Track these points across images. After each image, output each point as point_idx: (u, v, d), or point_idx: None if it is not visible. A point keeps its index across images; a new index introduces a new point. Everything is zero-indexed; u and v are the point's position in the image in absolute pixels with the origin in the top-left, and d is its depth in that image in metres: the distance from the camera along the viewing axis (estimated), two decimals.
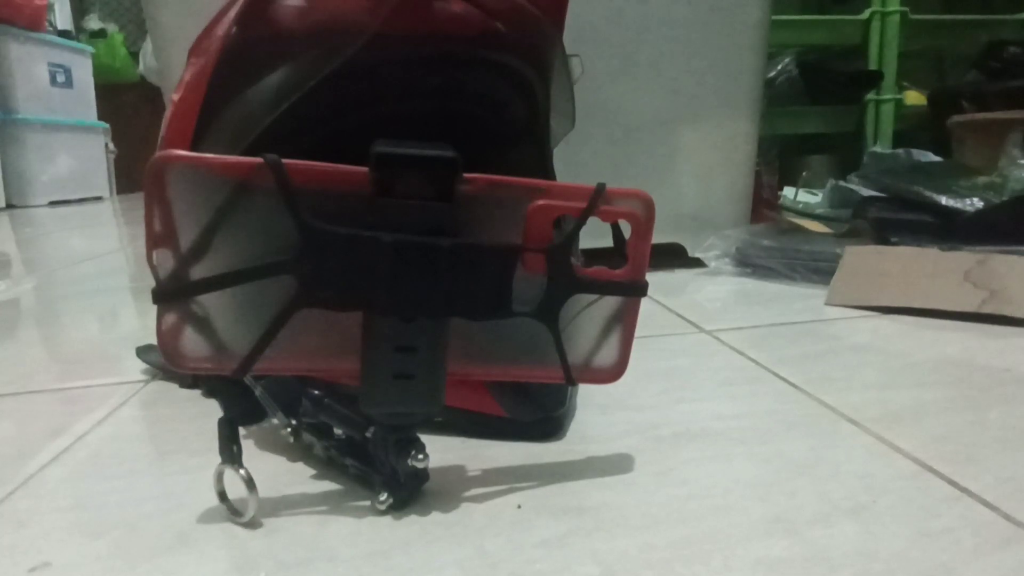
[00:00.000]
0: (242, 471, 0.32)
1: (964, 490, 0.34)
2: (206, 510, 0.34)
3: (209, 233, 0.29)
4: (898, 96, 1.85)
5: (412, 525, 0.32)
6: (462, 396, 0.40)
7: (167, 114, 0.42)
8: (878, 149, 1.66)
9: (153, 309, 0.29)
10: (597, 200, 0.33)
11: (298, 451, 0.40)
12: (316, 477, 0.37)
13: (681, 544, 0.30)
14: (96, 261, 1.26)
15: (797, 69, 1.79)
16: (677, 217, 0.94)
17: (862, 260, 0.78)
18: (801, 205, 1.33)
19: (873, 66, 1.83)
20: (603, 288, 0.34)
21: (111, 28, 3.50)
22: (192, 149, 0.37)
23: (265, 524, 0.33)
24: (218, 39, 0.36)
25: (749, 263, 0.88)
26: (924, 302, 0.67)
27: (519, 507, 0.34)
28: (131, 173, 3.43)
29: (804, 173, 1.59)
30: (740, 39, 0.91)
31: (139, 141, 3.43)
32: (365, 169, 0.30)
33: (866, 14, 1.81)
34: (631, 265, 0.34)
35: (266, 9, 0.34)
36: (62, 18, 3.13)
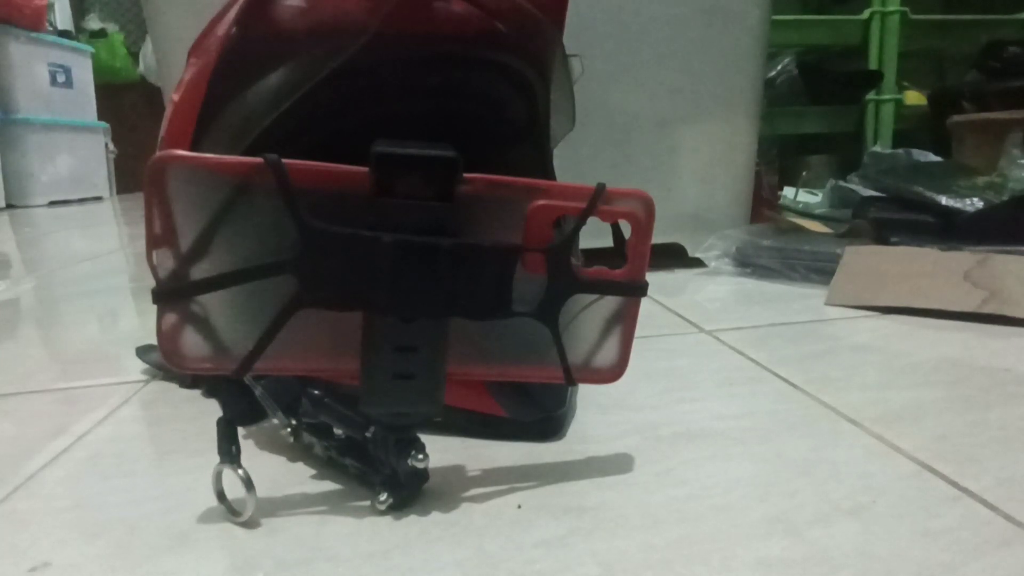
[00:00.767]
0: (240, 471, 0.32)
1: (964, 490, 0.34)
2: (206, 510, 0.34)
3: (209, 233, 0.29)
4: (898, 96, 1.85)
5: (412, 525, 0.32)
6: (462, 396, 0.40)
7: (167, 114, 0.42)
8: (878, 149, 1.66)
9: (153, 309, 0.30)
10: (597, 200, 0.33)
11: (298, 451, 0.40)
12: (316, 477, 0.37)
13: (681, 544, 0.30)
14: (96, 261, 1.26)
15: (797, 69, 1.79)
16: (677, 217, 0.94)
17: (862, 260, 0.78)
18: (801, 205, 1.33)
19: (873, 66, 1.83)
20: (603, 288, 0.34)
21: (111, 28, 3.50)
22: (192, 149, 0.37)
23: (265, 524, 0.33)
24: (218, 39, 0.36)
25: (749, 263, 0.88)
26: (924, 302, 0.67)
27: (519, 507, 0.34)
28: (131, 173, 3.43)
29: (804, 173, 1.59)
30: (740, 39, 0.91)
31: (139, 141, 3.43)
32: (365, 169, 0.30)
33: (866, 14, 1.81)
34: (631, 265, 0.34)
35: (266, 9, 0.34)
36: (62, 18, 3.13)
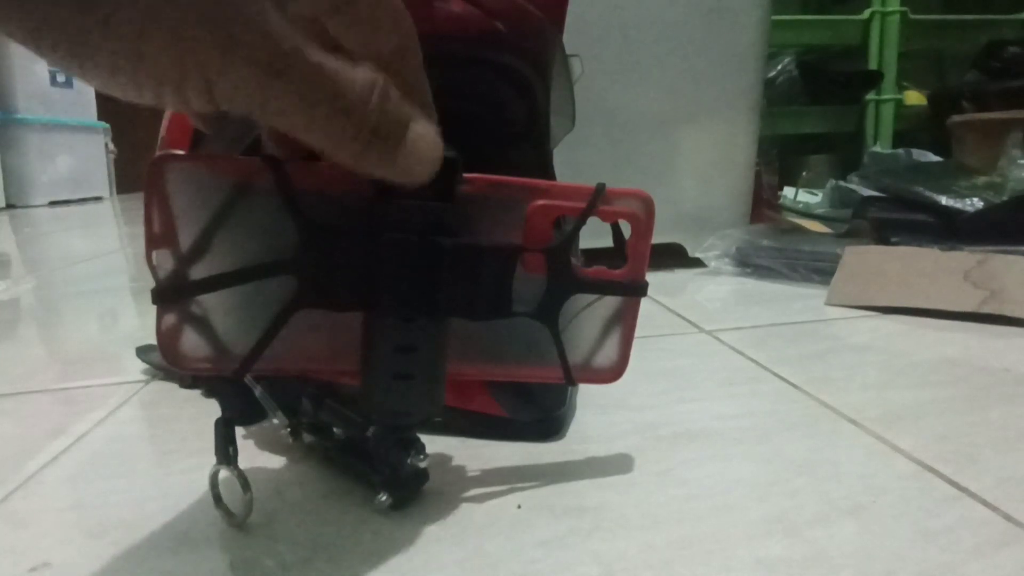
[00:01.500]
0: (237, 472, 0.32)
1: (964, 490, 0.34)
2: (206, 510, 0.34)
3: (209, 233, 0.29)
4: (898, 96, 1.85)
5: (412, 525, 0.32)
6: (462, 396, 0.40)
7: (167, 113, 0.42)
8: (878, 149, 1.66)
9: (153, 309, 0.29)
10: (597, 200, 0.33)
11: (298, 451, 0.40)
12: (316, 477, 0.37)
13: (681, 544, 0.30)
14: (96, 261, 1.26)
15: (797, 69, 1.79)
16: (677, 217, 0.94)
17: (862, 260, 0.78)
18: (801, 205, 1.33)
19: (873, 66, 1.83)
20: (603, 288, 0.34)
21: None
22: (192, 149, 0.37)
23: (265, 524, 0.33)
24: None
25: (749, 263, 0.88)
26: (924, 302, 0.67)
27: (519, 507, 0.34)
28: (131, 173, 3.43)
29: (804, 173, 1.59)
30: (740, 39, 0.91)
31: (139, 141, 3.42)
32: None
33: (866, 14, 1.81)
34: (631, 265, 0.34)
35: None
36: None
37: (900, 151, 1.43)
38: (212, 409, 0.33)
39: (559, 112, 0.47)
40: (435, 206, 0.30)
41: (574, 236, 0.33)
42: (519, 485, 0.36)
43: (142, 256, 0.28)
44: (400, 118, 0.25)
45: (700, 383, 0.50)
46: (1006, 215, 0.86)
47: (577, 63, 0.47)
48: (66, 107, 2.95)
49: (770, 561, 0.29)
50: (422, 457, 0.34)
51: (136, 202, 2.83)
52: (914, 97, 1.91)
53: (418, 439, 0.34)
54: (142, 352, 0.57)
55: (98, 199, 3.16)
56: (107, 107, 3.29)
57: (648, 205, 0.34)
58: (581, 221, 0.33)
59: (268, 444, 0.41)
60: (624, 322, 0.35)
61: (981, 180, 0.95)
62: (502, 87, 0.39)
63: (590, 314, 0.35)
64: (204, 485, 0.34)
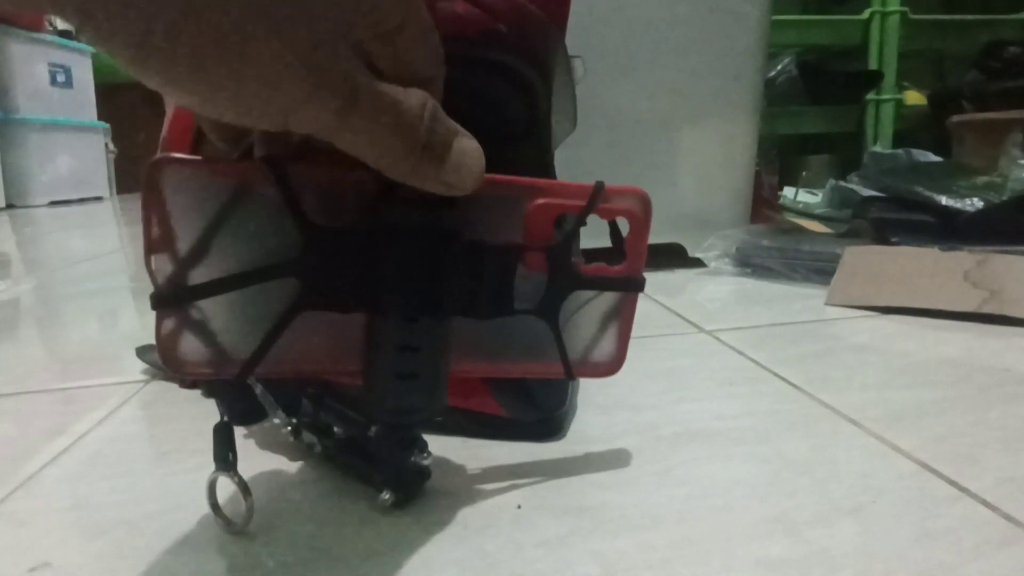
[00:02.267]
0: (237, 478, 0.32)
1: (964, 490, 0.34)
2: (206, 510, 0.34)
3: (208, 236, 0.28)
4: (898, 96, 1.85)
5: (412, 525, 0.32)
6: (462, 396, 0.40)
7: (169, 113, 0.42)
8: (878, 149, 1.66)
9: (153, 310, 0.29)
10: (597, 198, 0.33)
11: (298, 451, 0.40)
12: (317, 477, 0.37)
13: (681, 544, 0.30)
14: (96, 261, 1.26)
15: (797, 69, 1.79)
16: (677, 217, 0.94)
17: (862, 260, 0.78)
18: (801, 205, 1.33)
19: (873, 66, 1.83)
20: (602, 284, 0.35)
21: None
22: (194, 149, 0.37)
23: (265, 524, 0.33)
24: None
25: (749, 263, 0.88)
26: (924, 302, 0.67)
27: (519, 507, 0.34)
28: (131, 173, 3.43)
29: (804, 173, 1.59)
30: (740, 39, 0.91)
31: (139, 141, 3.43)
32: (367, 169, 0.30)
33: (866, 14, 1.82)
34: (629, 262, 0.35)
35: None
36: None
37: (900, 151, 1.43)
38: (212, 409, 0.33)
39: (561, 113, 0.47)
40: (437, 206, 0.30)
41: (575, 234, 0.33)
42: (519, 485, 0.36)
43: (142, 256, 0.28)
44: (447, 134, 0.27)
45: (700, 383, 0.50)
46: (1006, 215, 0.86)
47: (580, 64, 0.47)
48: (66, 107, 2.95)
49: (770, 561, 0.29)
50: (425, 455, 0.34)
51: (136, 202, 2.82)
52: (914, 97, 1.91)
53: (420, 437, 0.34)
54: (142, 352, 0.57)
55: (98, 199, 3.16)
56: (107, 107, 3.28)
57: (645, 202, 0.35)
58: (582, 219, 0.33)
59: (268, 444, 0.41)
60: (622, 317, 0.36)
61: (981, 180, 0.95)
62: (503, 87, 0.39)
63: (589, 310, 0.35)
64: (204, 485, 0.34)
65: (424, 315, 0.31)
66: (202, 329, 0.29)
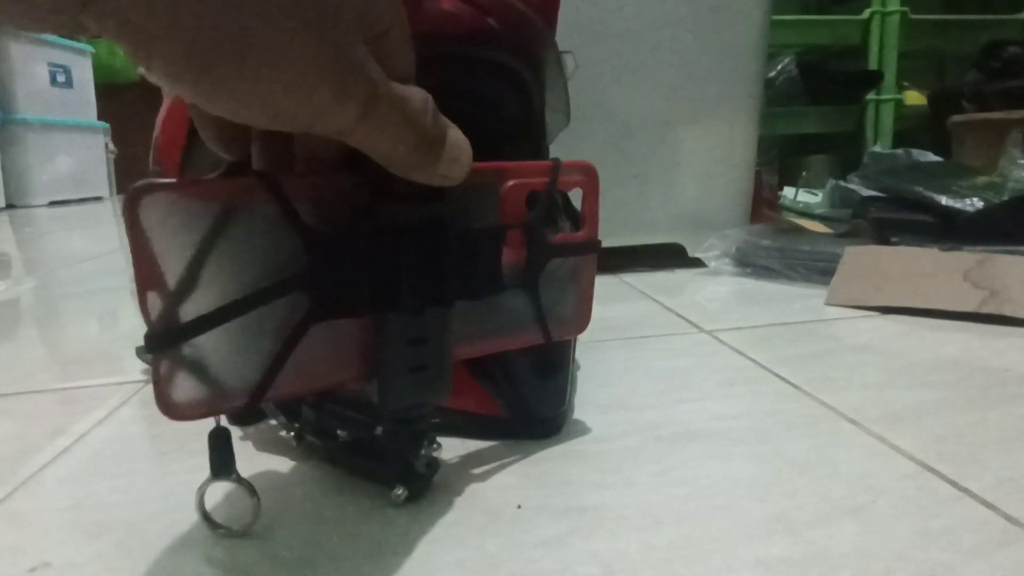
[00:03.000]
0: (240, 481, 0.32)
1: (964, 490, 0.34)
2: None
3: (203, 263, 0.26)
4: (898, 96, 1.85)
5: (412, 525, 0.32)
6: (462, 397, 0.40)
7: (160, 116, 0.42)
8: (878, 149, 1.66)
9: None
10: (558, 173, 0.36)
11: (298, 451, 0.40)
12: (317, 477, 0.37)
13: (681, 544, 0.30)
14: (96, 261, 1.26)
15: (797, 69, 1.79)
16: (677, 217, 0.94)
17: (862, 260, 0.78)
18: (801, 205, 1.33)
19: (873, 66, 1.83)
20: (570, 250, 0.38)
21: None
22: (184, 155, 0.37)
23: (265, 524, 0.33)
24: None
25: (749, 263, 0.88)
26: (924, 302, 0.67)
27: (519, 507, 0.34)
28: (131, 173, 3.43)
29: (804, 173, 1.59)
30: (740, 39, 0.91)
31: (139, 141, 3.42)
32: (359, 174, 0.30)
33: (866, 14, 1.82)
34: (587, 227, 0.38)
35: None
36: None
37: (900, 151, 1.43)
38: None
39: (554, 108, 0.47)
40: (429, 201, 0.31)
41: (547, 208, 0.36)
42: (519, 485, 0.36)
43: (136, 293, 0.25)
44: (441, 126, 0.28)
45: (700, 383, 0.50)
46: (1006, 215, 0.86)
47: (571, 59, 0.47)
48: (66, 107, 2.95)
49: (770, 561, 0.29)
50: (436, 446, 0.34)
51: None
52: (914, 97, 1.91)
53: (429, 429, 0.34)
54: (142, 352, 0.57)
55: (98, 199, 3.16)
56: (107, 107, 3.29)
57: (592, 173, 0.38)
58: (549, 193, 0.36)
59: (268, 444, 0.41)
60: (585, 278, 0.40)
61: (981, 180, 0.95)
62: (496, 84, 0.39)
63: (556, 276, 0.38)
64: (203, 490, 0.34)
65: (432, 305, 0.31)
66: (201, 366, 0.27)
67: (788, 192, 1.44)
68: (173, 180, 0.26)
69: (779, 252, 0.86)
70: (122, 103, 3.46)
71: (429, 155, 0.27)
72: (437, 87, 0.34)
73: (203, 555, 0.31)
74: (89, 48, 3.17)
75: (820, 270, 0.81)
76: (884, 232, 0.89)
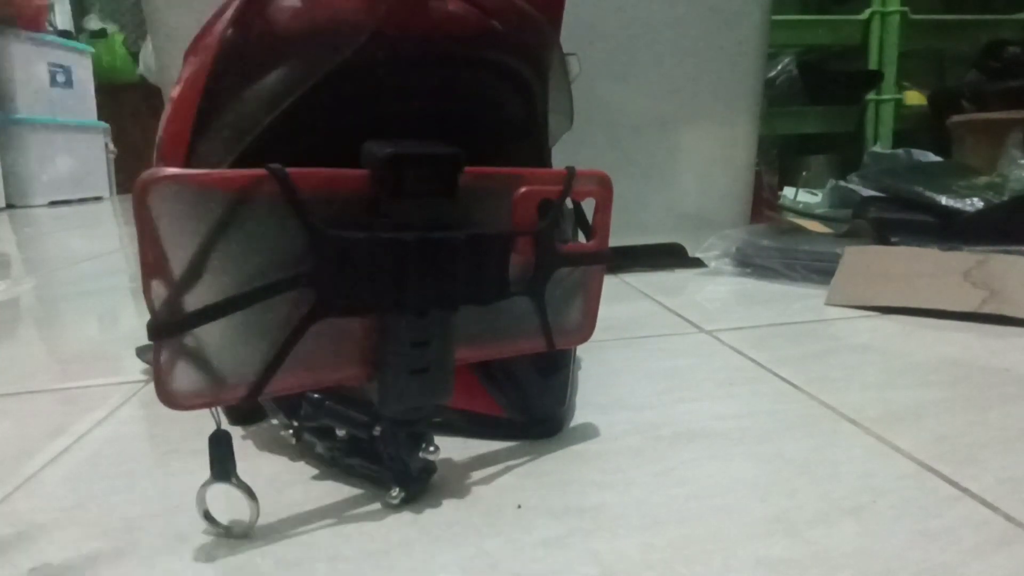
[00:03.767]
0: (240, 485, 0.32)
1: (964, 490, 0.34)
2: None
3: (209, 255, 0.27)
4: (898, 96, 1.85)
5: (412, 525, 0.32)
6: (462, 397, 0.40)
7: (164, 115, 0.42)
8: (878, 149, 1.66)
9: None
10: (571, 182, 0.36)
11: (299, 451, 0.39)
12: (317, 477, 0.37)
13: (681, 544, 0.30)
14: (96, 261, 1.26)
15: (797, 69, 1.79)
16: (677, 217, 0.94)
17: (862, 260, 0.78)
18: (801, 205, 1.33)
19: (873, 66, 1.83)
20: (578, 260, 0.38)
21: (111, 28, 3.50)
22: (189, 151, 0.37)
23: (265, 524, 0.33)
24: (215, 39, 0.36)
25: (749, 263, 0.88)
26: (924, 302, 0.67)
27: (519, 507, 0.34)
28: (131, 173, 3.43)
29: (804, 173, 1.59)
30: (740, 39, 0.91)
31: (139, 141, 3.43)
32: (368, 172, 0.30)
33: (866, 14, 1.81)
34: (597, 237, 0.38)
35: (263, 9, 0.34)
36: (62, 18, 3.13)
37: (900, 151, 1.42)
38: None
39: (557, 111, 0.47)
40: (439, 201, 0.31)
41: (558, 217, 0.36)
42: (519, 485, 0.36)
43: (141, 280, 0.26)
44: None
45: (700, 383, 0.50)
46: (1006, 215, 0.86)
47: (575, 61, 0.47)
48: (66, 107, 2.95)
49: (770, 561, 0.29)
50: (433, 449, 0.34)
51: None
52: (914, 97, 1.91)
53: (428, 432, 0.34)
54: (142, 352, 0.57)
55: (98, 199, 3.16)
56: (107, 107, 3.28)
57: (606, 183, 0.39)
58: (561, 202, 0.36)
59: (268, 444, 0.41)
60: (591, 288, 0.39)
61: (981, 180, 0.95)
62: (500, 86, 0.39)
63: (563, 284, 0.38)
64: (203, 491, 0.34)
65: (437, 308, 0.31)
66: (202, 356, 0.27)
67: (788, 192, 1.44)
68: (183, 170, 0.26)
69: (779, 252, 0.86)
70: (122, 103, 3.46)
71: None
72: (440, 88, 0.35)
73: (203, 555, 0.30)
74: (89, 48, 3.17)
75: (820, 270, 0.81)
76: (884, 232, 0.89)
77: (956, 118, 1.40)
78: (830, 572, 0.28)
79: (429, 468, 0.35)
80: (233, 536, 0.32)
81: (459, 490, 0.36)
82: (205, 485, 0.32)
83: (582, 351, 0.56)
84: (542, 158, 0.45)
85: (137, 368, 0.57)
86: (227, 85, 0.35)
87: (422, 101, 0.37)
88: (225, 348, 0.28)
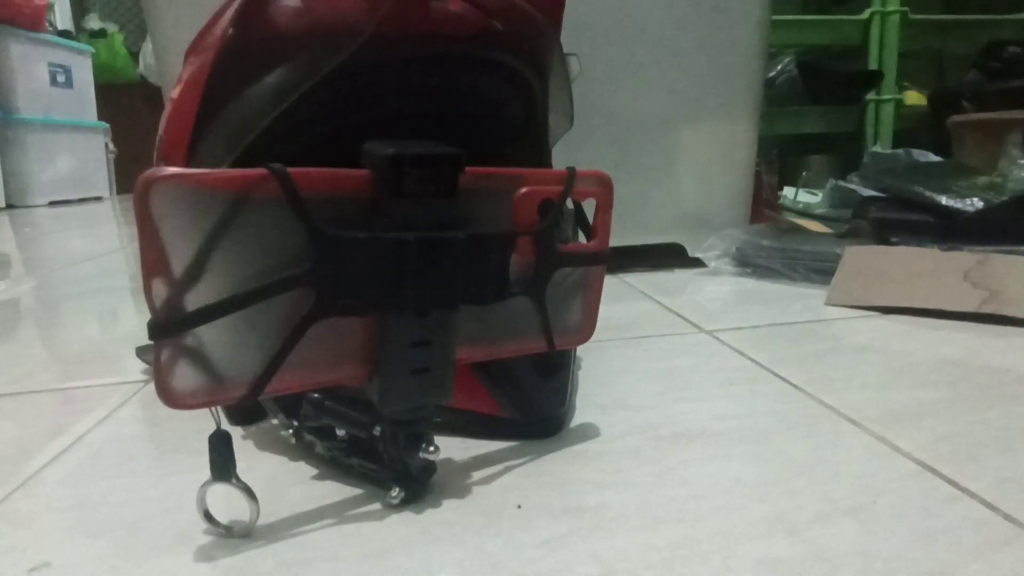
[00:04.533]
0: (240, 485, 0.32)
1: (964, 490, 0.34)
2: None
3: (210, 253, 0.27)
4: (898, 96, 1.85)
5: (412, 525, 0.32)
6: (462, 397, 0.40)
7: (165, 113, 0.42)
8: (878, 149, 1.66)
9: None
10: (572, 182, 0.36)
11: (299, 450, 0.40)
12: (317, 477, 0.37)
13: (681, 544, 0.30)
14: (96, 261, 1.26)
15: (797, 69, 1.79)
16: (677, 217, 0.94)
17: (862, 260, 0.78)
18: (801, 205, 1.33)
19: (873, 66, 1.83)
20: (579, 260, 0.38)
21: (111, 28, 3.50)
22: (189, 151, 0.37)
23: (265, 524, 0.33)
24: (216, 39, 0.36)
25: (749, 263, 0.88)
26: (924, 302, 0.67)
27: (519, 507, 0.34)
28: (131, 173, 3.42)
29: (804, 173, 1.59)
30: (740, 39, 0.91)
31: (139, 141, 3.43)
32: (369, 172, 0.30)
33: (866, 14, 1.81)
34: (598, 238, 0.38)
35: (263, 9, 0.34)
36: (62, 18, 3.13)
37: (900, 151, 1.42)
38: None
39: (557, 111, 0.47)
40: (439, 202, 0.31)
41: (558, 217, 0.36)
42: (519, 485, 0.36)
43: (142, 279, 0.26)
44: None
45: (700, 383, 0.50)
46: (1006, 215, 0.86)
47: (575, 62, 0.47)
48: (66, 107, 2.95)
49: (770, 561, 0.29)
50: (433, 449, 0.34)
51: None
52: (914, 97, 1.91)
53: (428, 432, 0.34)
54: (142, 352, 0.57)
55: (98, 199, 3.15)
56: (107, 107, 3.29)
57: (607, 184, 0.38)
58: (561, 203, 0.36)
59: (268, 444, 0.41)
60: (592, 288, 0.39)
61: (981, 180, 0.95)
62: (501, 86, 0.39)
63: (564, 285, 0.38)
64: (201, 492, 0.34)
65: (437, 308, 0.31)
66: (202, 355, 0.27)
67: (788, 192, 1.43)
68: (185, 169, 0.26)
69: (779, 252, 0.86)
70: (122, 103, 3.46)
71: None
72: (441, 88, 0.35)
73: (203, 555, 0.30)
74: (89, 48, 3.17)
75: (820, 270, 0.81)
76: (884, 232, 0.89)
77: (956, 118, 1.40)
78: (830, 572, 0.28)
79: (429, 468, 0.35)
80: (233, 536, 0.32)
81: (459, 490, 0.36)
82: (205, 485, 0.32)
83: (582, 351, 0.56)
84: (542, 158, 0.45)
85: (137, 368, 0.57)
86: (228, 85, 0.35)
87: (423, 101, 0.37)
88: (225, 347, 0.28)
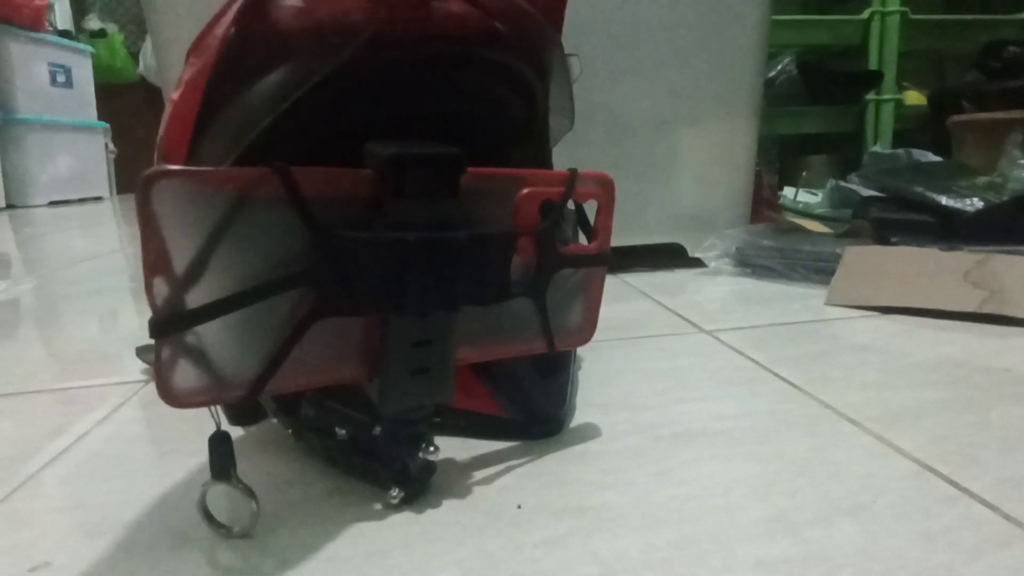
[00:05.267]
0: (240, 485, 0.32)
1: (964, 490, 0.34)
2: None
3: (211, 252, 0.27)
4: (898, 96, 1.85)
5: (412, 525, 0.32)
6: (462, 397, 0.40)
7: (166, 114, 0.42)
8: (878, 149, 1.66)
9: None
10: (574, 184, 0.36)
11: (298, 450, 0.40)
12: (317, 477, 0.37)
13: (681, 544, 0.30)
14: (96, 261, 1.26)
15: (797, 69, 1.79)
16: (677, 217, 0.94)
17: (862, 260, 0.78)
18: (801, 205, 1.33)
19: (873, 66, 1.83)
20: (580, 262, 0.38)
21: (111, 28, 3.50)
22: (190, 151, 0.37)
23: (265, 524, 0.33)
24: (217, 39, 0.35)
25: (749, 263, 0.88)
26: (924, 302, 0.67)
27: (519, 507, 0.34)
28: (131, 173, 3.43)
29: (804, 173, 1.59)
30: (740, 39, 0.91)
31: (139, 141, 3.43)
32: (370, 171, 0.30)
33: (866, 14, 1.81)
34: (599, 239, 0.38)
35: (264, 9, 0.34)
36: (62, 18, 3.13)
37: (900, 151, 1.42)
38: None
39: (558, 111, 0.47)
40: (441, 202, 0.31)
41: (560, 218, 0.36)
42: (519, 485, 0.36)
43: (143, 277, 0.25)
44: None
45: (700, 383, 0.50)
46: (1006, 215, 0.86)
47: (576, 62, 0.47)
48: (66, 107, 2.95)
49: (770, 561, 0.29)
50: (433, 449, 0.34)
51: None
52: (914, 97, 1.91)
53: (427, 432, 0.34)
54: (142, 352, 0.57)
55: (98, 199, 3.15)
56: (107, 107, 3.29)
57: (609, 185, 0.38)
58: (563, 204, 0.36)
59: (268, 444, 0.41)
60: (593, 289, 0.39)
61: (981, 180, 0.95)
62: (501, 87, 0.39)
63: (564, 286, 0.38)
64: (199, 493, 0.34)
65: (439, 308, 0.31)
66: (202, 354, 0.27)
67: (788, 192, 1.43)
68: (187, 167, 0.26)
69: (779, 252, 0.86)
70: (122, 103, 3.46)
71: None
72: (442, 88, 0.35)
73: (203, 555, 0.31)
74: (89, 48, 3.17)
75: (820, 270, 0.81)
76: (884, 232, 0.89)
77: (956, 118, 1.40)
78: (830, 572, 0.28)
79: (429, 468, 0.35)
80: (233, 536, 0.32)
81: (459, 490, 0.36)
82: (205, 485, 0.32)
83: (582, 351, 0.56)
84: (543, 159, 0.45)
85: (137, 368, 0.57)
86: (228, 85, 0.35)
87: (424, 101, 0.37)
88: (226, 346, 0.28)
